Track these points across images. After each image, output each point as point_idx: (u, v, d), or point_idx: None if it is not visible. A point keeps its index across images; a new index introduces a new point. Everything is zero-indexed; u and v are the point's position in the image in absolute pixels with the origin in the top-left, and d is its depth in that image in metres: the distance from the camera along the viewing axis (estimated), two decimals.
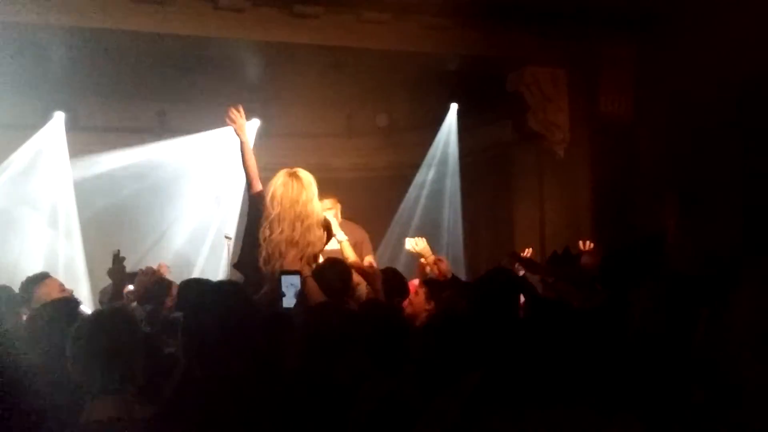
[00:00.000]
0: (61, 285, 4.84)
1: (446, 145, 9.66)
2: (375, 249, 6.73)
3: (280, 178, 4.47)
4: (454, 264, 7.19)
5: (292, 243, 4.34)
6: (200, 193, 9.38)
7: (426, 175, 9.86)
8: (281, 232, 4.34)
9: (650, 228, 3.18)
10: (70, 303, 3.47)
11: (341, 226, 5.17)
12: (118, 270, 4.61)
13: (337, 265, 4.28)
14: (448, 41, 7.37)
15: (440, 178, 9.82)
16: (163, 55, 7.63)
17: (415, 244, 5.47)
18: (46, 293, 4.59)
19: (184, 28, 6.62)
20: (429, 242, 5.45)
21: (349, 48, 7.32)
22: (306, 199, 4.42)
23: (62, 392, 2.65)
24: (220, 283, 3.06)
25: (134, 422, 2.40)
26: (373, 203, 9.53)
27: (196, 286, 3.69)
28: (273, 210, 4.37)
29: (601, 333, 2.60)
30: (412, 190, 9.93)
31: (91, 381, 2.41)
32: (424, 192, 9.91)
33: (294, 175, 4.47)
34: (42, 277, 4.83)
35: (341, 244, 4.84)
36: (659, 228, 3.22)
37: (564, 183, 8.24)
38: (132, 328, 2.53)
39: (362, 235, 5.99)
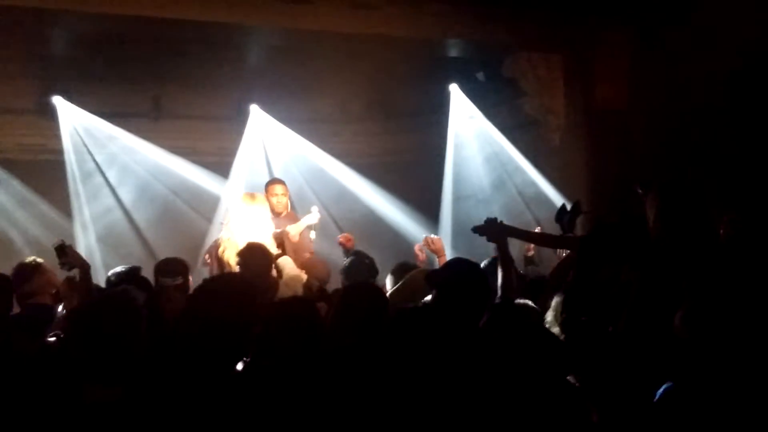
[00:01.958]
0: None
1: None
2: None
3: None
4: None
5: None
6: None
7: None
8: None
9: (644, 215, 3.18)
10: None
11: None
12: (70, 260, 4.11)
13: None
14: (442, 26, 7.34)
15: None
16: (160, 39, 7.61)
17: (431, 242, 5.55)
18: (46, 281, 4.48)
19: (185, 12, 6.55)
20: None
21: (343, 34, 7.29)
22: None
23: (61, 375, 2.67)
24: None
25: (134, 405, 2.42)
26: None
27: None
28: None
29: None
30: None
31: (92, 365, 2.43)
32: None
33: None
34: (37, 265, 4.53)
35: None
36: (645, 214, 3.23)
37: (559, 169, 8.24)
38: (133, 312, 2.54)
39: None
